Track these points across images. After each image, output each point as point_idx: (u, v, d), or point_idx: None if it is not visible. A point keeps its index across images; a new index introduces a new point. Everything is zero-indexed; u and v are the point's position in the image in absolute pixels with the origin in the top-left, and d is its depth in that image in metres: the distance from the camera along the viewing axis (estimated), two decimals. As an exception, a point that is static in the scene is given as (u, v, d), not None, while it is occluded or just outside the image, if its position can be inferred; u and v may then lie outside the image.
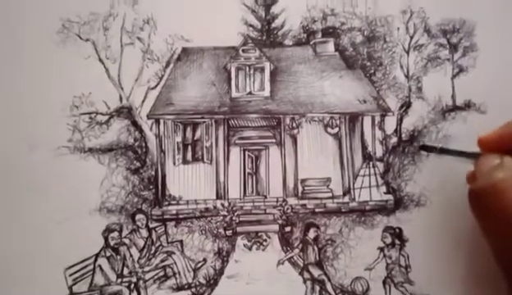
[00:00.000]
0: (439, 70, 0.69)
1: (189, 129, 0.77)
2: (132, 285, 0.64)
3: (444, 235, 0.64)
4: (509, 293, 0.52)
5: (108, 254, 0.64)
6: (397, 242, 0.65)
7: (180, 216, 0.67)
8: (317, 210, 0.68)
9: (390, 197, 0.68)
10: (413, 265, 0.65)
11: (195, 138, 0.77)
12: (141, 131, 0.68)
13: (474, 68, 0.68)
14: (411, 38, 0.69)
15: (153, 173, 0.68)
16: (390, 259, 0.65)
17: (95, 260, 0.63)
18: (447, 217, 0.65)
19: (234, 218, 0.68)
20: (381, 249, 0.65)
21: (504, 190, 0.48)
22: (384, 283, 0.64)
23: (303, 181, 0.72)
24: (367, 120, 0.75)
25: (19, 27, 0.66)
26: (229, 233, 0.67)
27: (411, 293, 0.64)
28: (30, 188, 0.64)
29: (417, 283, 0.64)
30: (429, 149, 0.61)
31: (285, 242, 0.67)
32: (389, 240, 0.65)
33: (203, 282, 0.65)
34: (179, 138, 0.75)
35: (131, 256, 0.66)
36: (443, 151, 0.59)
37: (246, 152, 0.77)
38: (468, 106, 0.67)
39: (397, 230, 0.66)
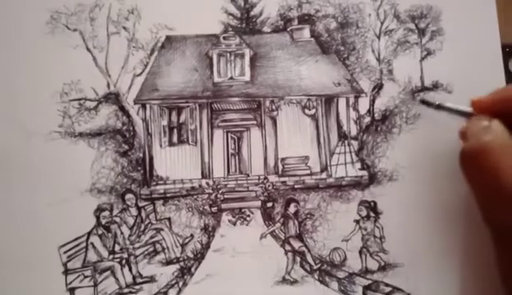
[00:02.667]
0: (408, 53, 0.71)
1: (174, 113, 0.77)
2: (123, 261, 0.65)
3: (415, 207, 0.67)
4: (496, 257, 0.55)
5: (100, 232, 0.65)
6: (372, 214, 0.67)
7: (168, 195, 0.69)
8: (296, 186, 0.70)
9: (364, 172, 0.70)
10: (387, 236, 0.67)
11: (180, 122, 0.77)
12: (128, 116, 0.69)
13: (441, 51, 0.71)
14: (382, 23, 0.71)
15: (141, 155, 0.69)
16: (366, 230, 0.67)
17: (88, 238, 0.65)
18: (418, 191, 0.67)
19: (218, 196, 0.69)
20: (357, 221, 0.67)
21: (490, 151, 0.52)
22: (360, 252, 0.67)
23: (283, 160, 0.73)
24: (342, 102, 0.76)
25: (8, 19, 0.68)
26: (214, 209, 0.68)
27: (385, 262, 0.66)
28: (24, 172, 0.65)
29: (391, 252, 0.66)
30: (428, 104, 0.64)
31: (267, 217, 0.69)
32: (364, 213, 0.67)
33: (191, 256, 0.66)
34: (165, 122, 0.76)
35: (122, 233, 0.67)
36: (440, 107, 0.62)
37: (229, 134, 0.77)
38: (435, 86, 0.70)
39: (372, 204, 0.68)
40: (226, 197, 0.70)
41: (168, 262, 0.66)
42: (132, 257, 0.66)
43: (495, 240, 0.55)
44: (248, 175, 0.73)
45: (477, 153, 0.53)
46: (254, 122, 0.77)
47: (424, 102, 0.64)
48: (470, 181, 0.55)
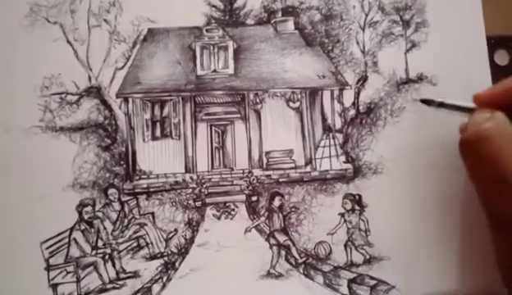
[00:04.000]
0: (393, 45, 0.71)
1: (157, 107, 0.76)
2: (107, 256, 0.65)
3: (400, 200, 0.67)
4: (494, 247, 0.56)
5: (83, 227, 0.65)
6: (357, 207, 0.67)
7: (151, 190, 0.68)
8: (281, 180, 0.70)
9: (349, 166, 0.70)
10: (372, 229, 0.67)
11: (163, 115, 0.77)
12: (111, 110, 0.69)
13: (426, 43, 0.71)
14: (366, 15, 0.71)
15: (124, 149, 0.69)
16: (351, 224, 0.67)
17: (70, 233, 0.64)
18: (403, 183, 0.67)
19: (203, 190, 0.69)
20: (342, 215, 0.67)
21: (489, 137, 0.52)
22: (345, 246, 0.66)
23: (267, 153, 0.72)
24: (326, 94, 0.76)
25: (-14, 12, 0.66)
26: (198, 204, 0.68)
27: (371, 255, 0.66)
28: (4, 168, 0.64)
29: (376, 245, 0.66)
30: (428, 102, 0.62)
31: (252, 211, 0.68)
32: (349, 206, 0.67)
33: (175, 251, 0.66)
34: (147, 116, 0.75)
35: (105, 228, 0.66)
36: (441, 104, 0.60)
37: (213, 127, 0.77)
38: (420, 78, 0.70)
39: (356, 197, 0.68)
40: (210, 191, 0.69)
41: (152, 257, 0.66)
42: (115, 252, 0.66)
43: (493, 230, 0.55)
44: (232, 169, 0.73)
45: (476, 140, 0.53)
46: (238, 115, 0.77)
47: (424, 102, 0.63)
48: (470, 169, 0.55)
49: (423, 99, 0.63)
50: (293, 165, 0.72)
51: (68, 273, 0.64)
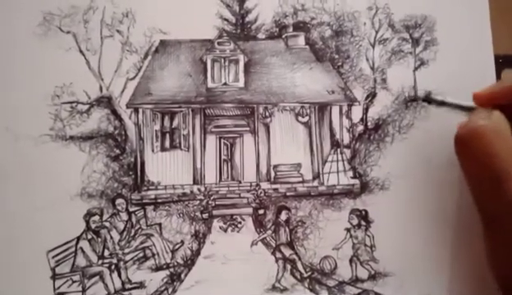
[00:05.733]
0: (402, 62, 0.71)
1: (167, 118, 0.77)
2: (113, 266, 0.65)
3: (406, 217, 0.67)
4: (487, 246, 0.56)
5: (89, 237, 0.65)
6: (363, 223, 0.67)
7: (159, 201, 0.68)
8: (288, 193, 0.70)
9: (356, 181, 0.70)
10: (377, 245, 0.67)
11: (173, 127, 0.77)
12: (121, 120, 0.69)
13: (435, 61, 0.71)
14: (376, 32, 0.72)
15: (133, 159, 0.69)
16: (357, 239, 0.67)
17: (77, 242, 0.64)
18: (409, 200, 0.67)
19: (210, 202, 0.69)
20: (348, 230, 0.67)
21: (483, 134, 0.52)
22: (350, 261, 0.67)
23: (275, 167, 0.73)
24: (335, 110, 0.76)
25: (0, 19, 0.67)
26: (205, 216, 0.68)
27: (375, 271, 0.66)
28: (13, 176, 0.64)
29: (381, 261, 0.66)
30: (431, 101, 0.62)
31: (259, 224, 0.68)
32: (355, 221, 0.67)
33: (181, 262, 0.66)
34: (157, 127, 0.75)
35: (112, 238, 0.67)
36: (443, 103, 0.61)
37: (222, 140, 0.77)
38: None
39: (363, 212, 0.68)
40: (217, 203, 0.69)
41: (158, 268, 0.66)
42: (121, 263, 0.66)
43: (486, 228, 0.55)
44: (240, 182, 0.73)
45: (470, 137, 0.53)
46: (247, 128, 0.77)
47: (427, 99, 0.63)
48: (463, 166, 0.56)
49: (426, 97, 0.63)
50: (300, 179, 0.73)
51: (74, 282, 0.64)
